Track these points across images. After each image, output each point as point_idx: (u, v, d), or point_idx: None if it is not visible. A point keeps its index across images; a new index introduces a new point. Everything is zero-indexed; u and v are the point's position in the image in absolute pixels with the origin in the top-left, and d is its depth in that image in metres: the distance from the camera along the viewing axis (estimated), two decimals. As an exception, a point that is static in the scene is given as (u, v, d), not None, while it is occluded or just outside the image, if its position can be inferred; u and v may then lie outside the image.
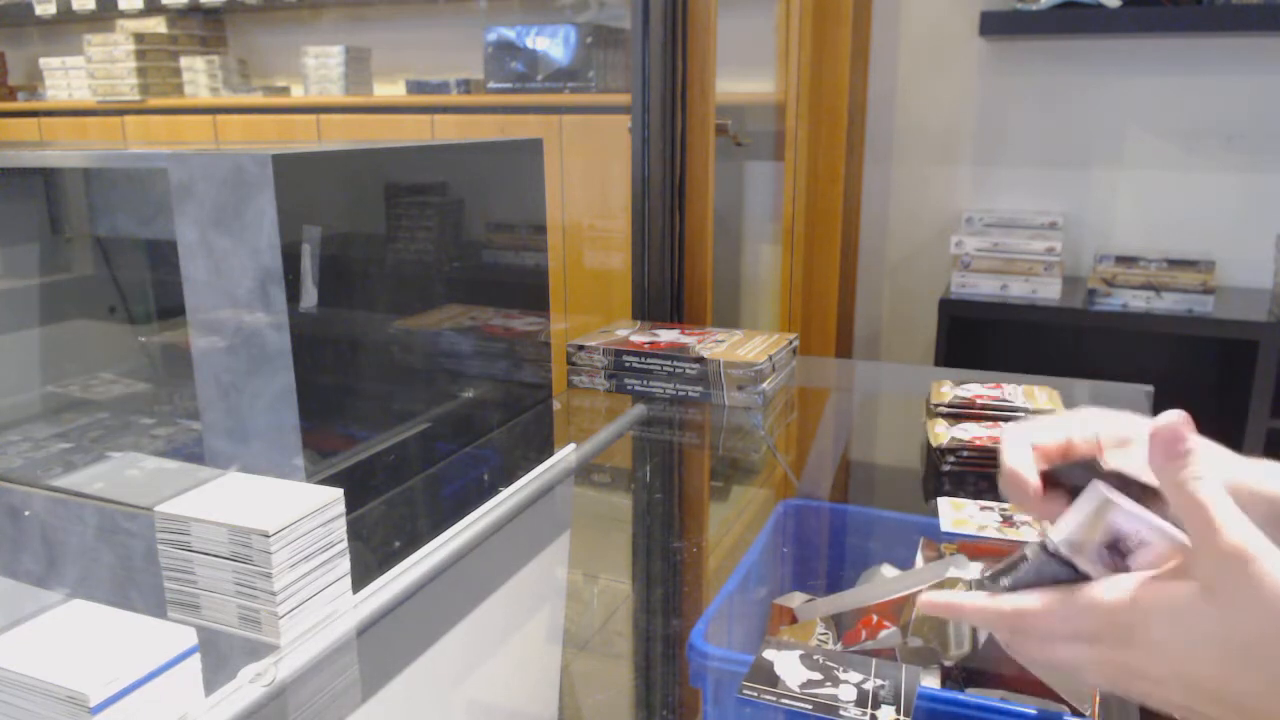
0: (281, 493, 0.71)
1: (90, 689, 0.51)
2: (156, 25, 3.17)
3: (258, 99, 3.04)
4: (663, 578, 0.91)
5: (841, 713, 0.57)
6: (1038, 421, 0.56)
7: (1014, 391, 1.15)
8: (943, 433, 1.06)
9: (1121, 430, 0.54)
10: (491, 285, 1.15)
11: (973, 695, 0.64)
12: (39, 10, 3.39)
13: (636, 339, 1.35)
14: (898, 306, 2.74)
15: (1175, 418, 0.45)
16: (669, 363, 1.27)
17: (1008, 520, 0.88)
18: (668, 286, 1.55)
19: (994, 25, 2.29)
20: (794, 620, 0.79)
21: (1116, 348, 2.49)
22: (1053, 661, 0.49)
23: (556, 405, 1.28)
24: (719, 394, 1.26)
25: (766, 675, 0.61)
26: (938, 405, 1.13)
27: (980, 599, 0.51)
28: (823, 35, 2.35)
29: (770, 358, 1.27)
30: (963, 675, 0.69)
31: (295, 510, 0.67)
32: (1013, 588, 0.50)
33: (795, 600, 0.82)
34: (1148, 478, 0.48)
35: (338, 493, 0.71)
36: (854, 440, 1.27)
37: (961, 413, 1.12)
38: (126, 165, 1.07)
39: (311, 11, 3.23)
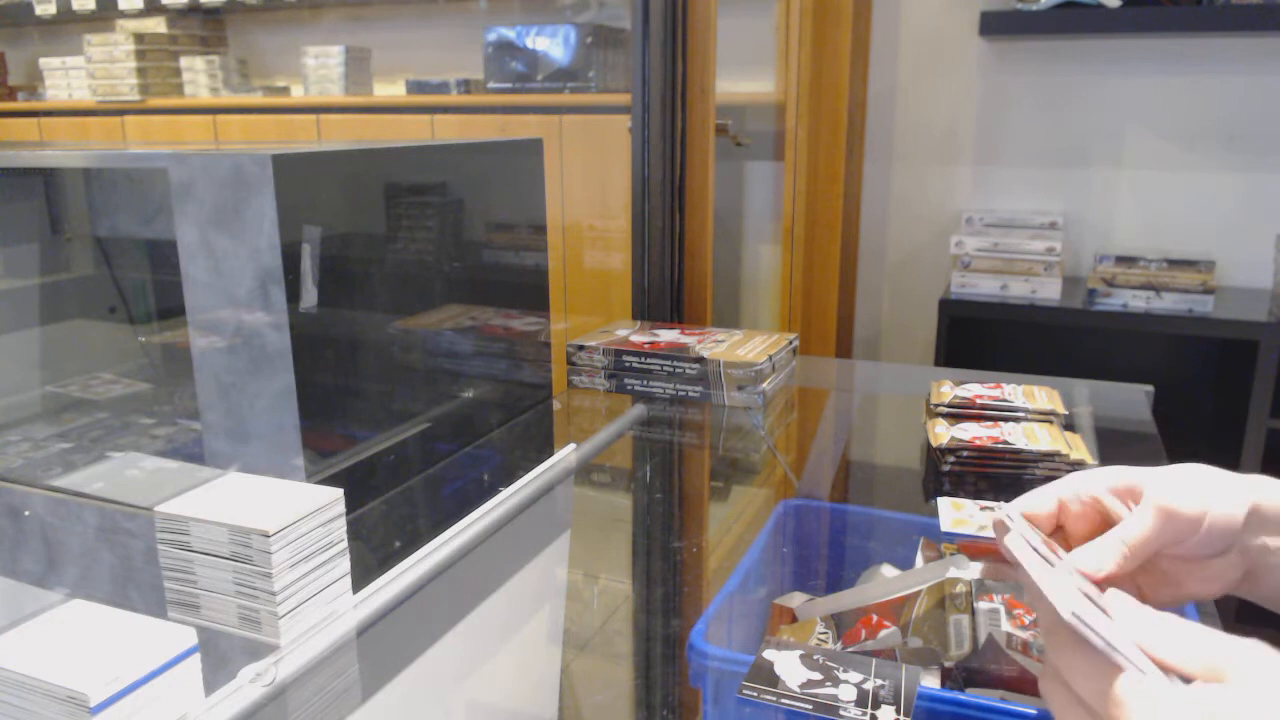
0: (281, 493, 0.71)
1: (90, 689, 0.51)
2: (156, 25, 3.17)
3: (258, 99, 3.04)
4: (663, 578, 0.91)
5: (841, 713, 0.57)
6: (1029, 493, 0.58)
7: (1014, 391, 1.15)
8: (943, 433, 1.06)
9: (1120, 481, 0.55)
10: (491, 285, 1.15)
11: (973, 695, 0.64)
12: (39, 10, 3.39)
13: (636, 339, 1.35)
14: (898, 306, 2.74)
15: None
16: (669, 363, 1.27)
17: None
18: (668, 286, 1.55)
19: (994, 25, 2.29)
20: (794, 620, 0.79)
21: (1116, 348, 2.49)
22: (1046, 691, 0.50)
23: (556, 405, 1.28)
24: (719, 394, 1.26)
25: (766, 675, 0.61)
26: (937, 405, 1.13)
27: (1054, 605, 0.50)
28: (823, 35, 2.35)
29: (770, 358, 1.27)
30: (963, 675, 0.69)
31: (295, 510, 0.67)
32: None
33: (795, 600, 0.82)
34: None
35: (338, 493, 0.71)
36: (854, 440, 1.27)
37: (961, 413, 1.12)
38: (126, 165, 1.07)
39: (311, 11, 3.24)
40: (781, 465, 1.16)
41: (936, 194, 2.62)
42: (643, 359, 1.29)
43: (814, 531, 0.94)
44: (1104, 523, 0.56)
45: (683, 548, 0.96)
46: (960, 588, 0.73)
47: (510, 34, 2.58)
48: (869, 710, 0.57)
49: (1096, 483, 0.56)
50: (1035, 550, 0.53)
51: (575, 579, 0.93)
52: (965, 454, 1.03)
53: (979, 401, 1.12)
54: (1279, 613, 0.57)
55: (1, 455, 1.03)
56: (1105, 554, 0.52)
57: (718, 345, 1.31)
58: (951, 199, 2.60)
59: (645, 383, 1.29)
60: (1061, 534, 0.58)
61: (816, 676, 0.61)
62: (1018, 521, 0.56)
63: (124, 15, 3.23)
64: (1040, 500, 0.57)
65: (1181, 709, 0.41)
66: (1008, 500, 0.58)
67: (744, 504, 1.11)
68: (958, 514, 0.90)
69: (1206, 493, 0.53)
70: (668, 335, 1.37)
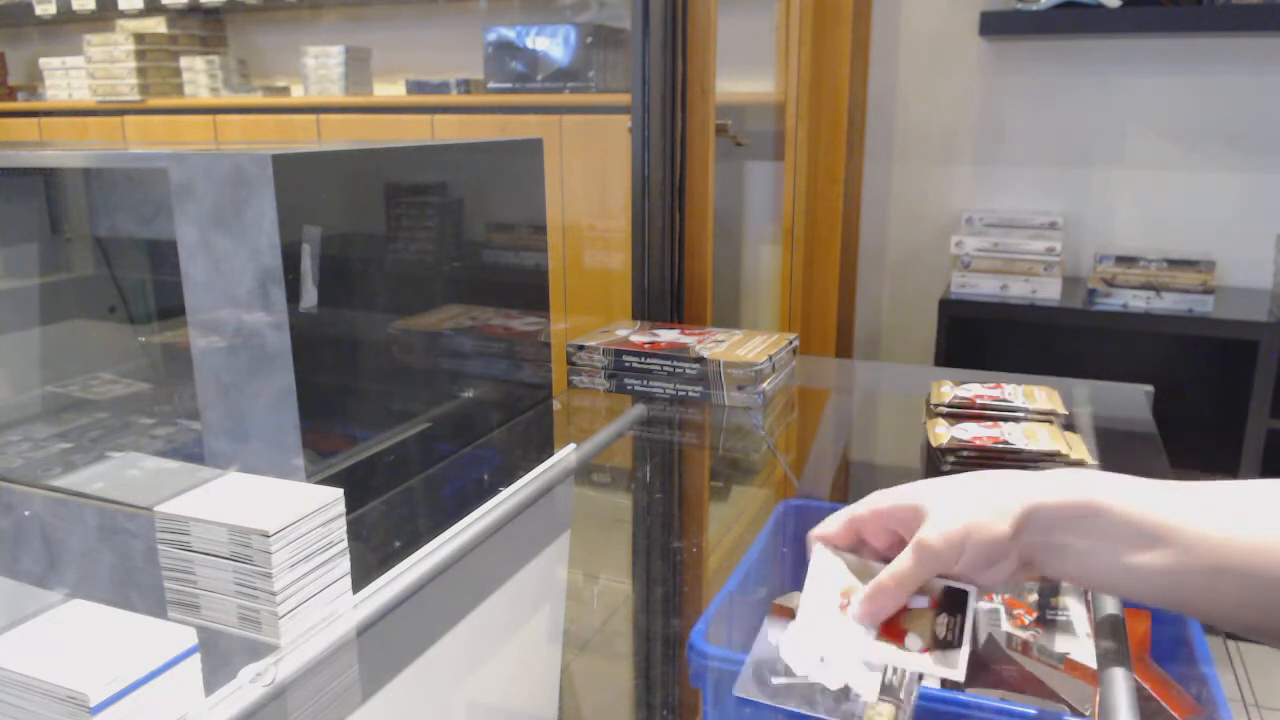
0: (281, 493, 0.71)
1: (90, 689, 0.51)
2: (156, 25, 3.17)
3: (258, 99, 3.04)
4: (663, 578, 0.91)
5: (841, 712, 0.57)
6: (829, 518, 0.66)
7: (1014, 391, 1.15)
8: (943, 433, 1.06)
9: (897, 506, 0.61)
10: (491, 285, 1.15)
11: (973, 695, 0.64)
12: (39, 10, 3.39)
13: (636, 339, 1.35)
14: (898, 306, 2.74)
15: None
16: (669, 363, 1.27)
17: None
18: (668, 286, 1.55)
19: (994, 25, 2.29)
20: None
21: (1116, 348, 2.49)
22: None
23: (556, 405, 1.28)
24: (719, 394, 1.26)
25: (766, 674, 0.61)
26: (937, 405, 1.13)
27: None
28: (823, 35, 2.35)
29: (770, 358, 1.27)
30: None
31: (295, 510, 0.67)
32: None
33: (795, 600, 0.82)
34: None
35: (338, 493, 0.71)
36: (854, 440, 1.27)
37: (961, 413, 1.12)
38: (126, 165, 1.07)
39: (311, 11, 3.23)
40: (781, 465, 1.16)
41: (936, 194, 2.62)
42: (643, 359, 1.29)
43: (814, 531, 0.93)
44: (896, 535, 0.62)
45: (683, 548, 0.96)
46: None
47: (510, 34, 2.58)
48: (870, 709, 0.57)
49: (878, 507, 0.63)
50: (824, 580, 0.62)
51: (575, 579, 0.93)
52: (965, 454, 1.03)
53: (979, 401, 1.12)
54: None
55: (1, 455, 1.03)
56: (881, 599, 0.58)
57: (718, 345, 1.31)
58: (951, 199, 2.60)
59: (645, 383, 1.29)
60: (867, 547, 0.64)
61: (815, 673, 0.61)
62: (817, 551, 0.64)
63: (124, 15, 3.23)
64: (834, 523, 0.64)
65: None
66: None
67: (744, 504, 1.11)
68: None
69: (971, 514, 0.57)
70: (668, 335, 1.37)
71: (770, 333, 1.39)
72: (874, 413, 1.41)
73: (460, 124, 2.59)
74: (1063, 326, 2.35)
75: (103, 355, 1.24)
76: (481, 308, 1.12)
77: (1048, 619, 0.75)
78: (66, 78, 3.33)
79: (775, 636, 0.63)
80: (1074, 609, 0.76)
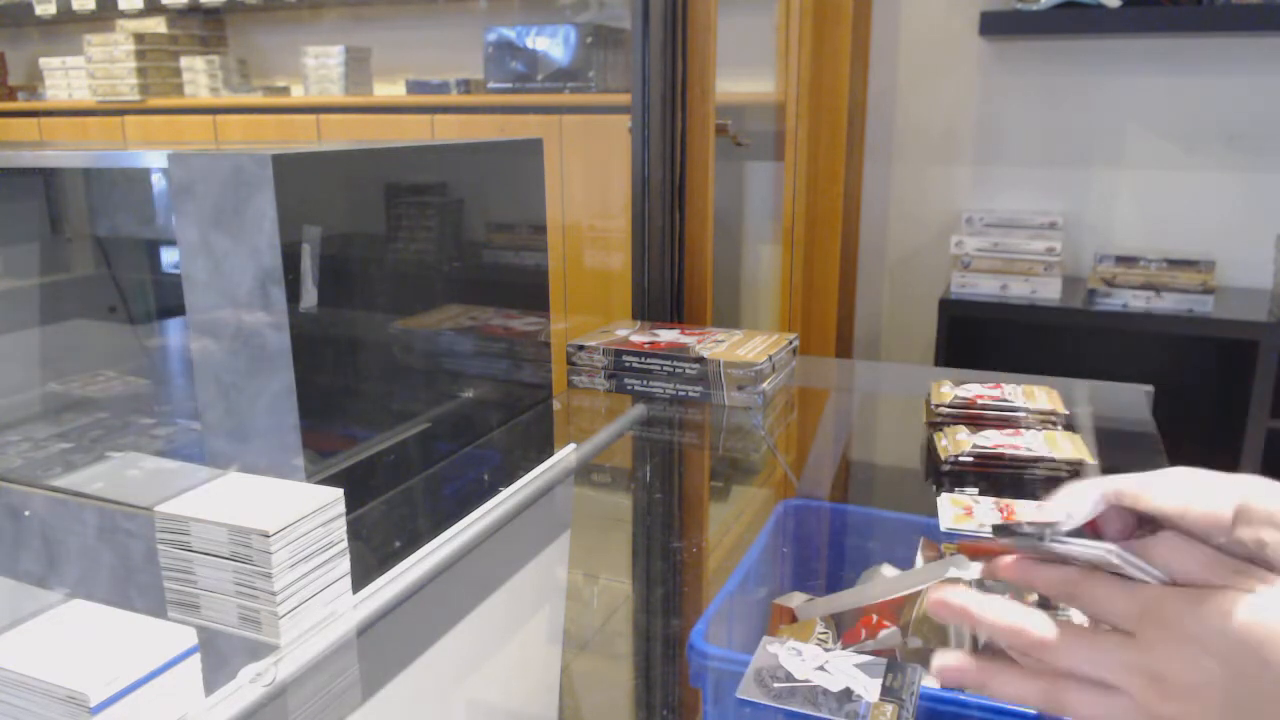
0: (281, 493, 0.71)
1: (90, 689, 0.51)
2: (156, 25, 3.17)
3: (258, 99, 3.04)
4: (663, 578, 0.91)
5: (841, 712, 0.57)
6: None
7: (1014, 392, 1.15)
8: (965, 440, 1.05)
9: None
10: (491, 285, 1.15)
11: (973, 695, 0.64)
12: (39, 10, 3.39)
13: (636, 339, 1.35)
14: (898, 306, 2.74)
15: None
16: (669, 363, 1.27)
17: (1007, 518, 0.88)
18: (668, 286, 1.55)
19: (994, 25, 2.29)
20: (794, 620, 0.79)
21: (1116, 348, 2.49)
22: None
23: (556, 405, 1.28)
24: (719, 394, 1.26)
25: (767, 675, 0.61)
26: (939, 406, 1.13)
27: (1000, 607, 0.50)
28: (823, 35, 2.35)
29: (770, 358, 1.27)
30: (963, 675, 0.69)
31: (295, 510, 0.67)
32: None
33: (795, 600, 0.82)
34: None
35: (338, 493, 0.71)
36: (854, 440, 1.27)
37: (976, 418, 1.11)
38: (126, 165, 1.07)
39: (311, 11, 3.24)
40: (781, 465, 1.16)
41: (936, 194, 2.62)
42: (643, 359, 1.29)
43: (814, 531, 0.94)
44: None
45: (683, 548, 0.96)
46: (962, 588, 0.73)
47: (510, 34, 2.58)
48: (870, 709, 0.57)
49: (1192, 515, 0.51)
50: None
51: (575, 579, 0.93)
52: (963, 456, 1.02)
53: (979, 402, 1.12)
54: None
55: (1, 455, 1.03)
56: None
57: (718, 345, 1.31)
58: (951, 199, 2.60)
59: (645, 383, 1.29)
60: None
61: (816, 676, 0.61)
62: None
63: (124, 15, 3.23)
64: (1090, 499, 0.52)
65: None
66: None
67: (744, 504, 1.11)
68: (957, 513, 0.90)
69: (1188, 493, 0.49)
70: (668, 335, 1.37)
71: (770, 333, 1.39)
72: (874, 413, 1.41)
73: (460, 124, 2.59)
74: (1063, 326, 2.35)
75: (103, 355, 1.23)
76: (481, 308, 1.12)
77: (1048, 619, 0.75)
78: (66, 78, 3.33)
79: (775, 647, 0.63)
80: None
